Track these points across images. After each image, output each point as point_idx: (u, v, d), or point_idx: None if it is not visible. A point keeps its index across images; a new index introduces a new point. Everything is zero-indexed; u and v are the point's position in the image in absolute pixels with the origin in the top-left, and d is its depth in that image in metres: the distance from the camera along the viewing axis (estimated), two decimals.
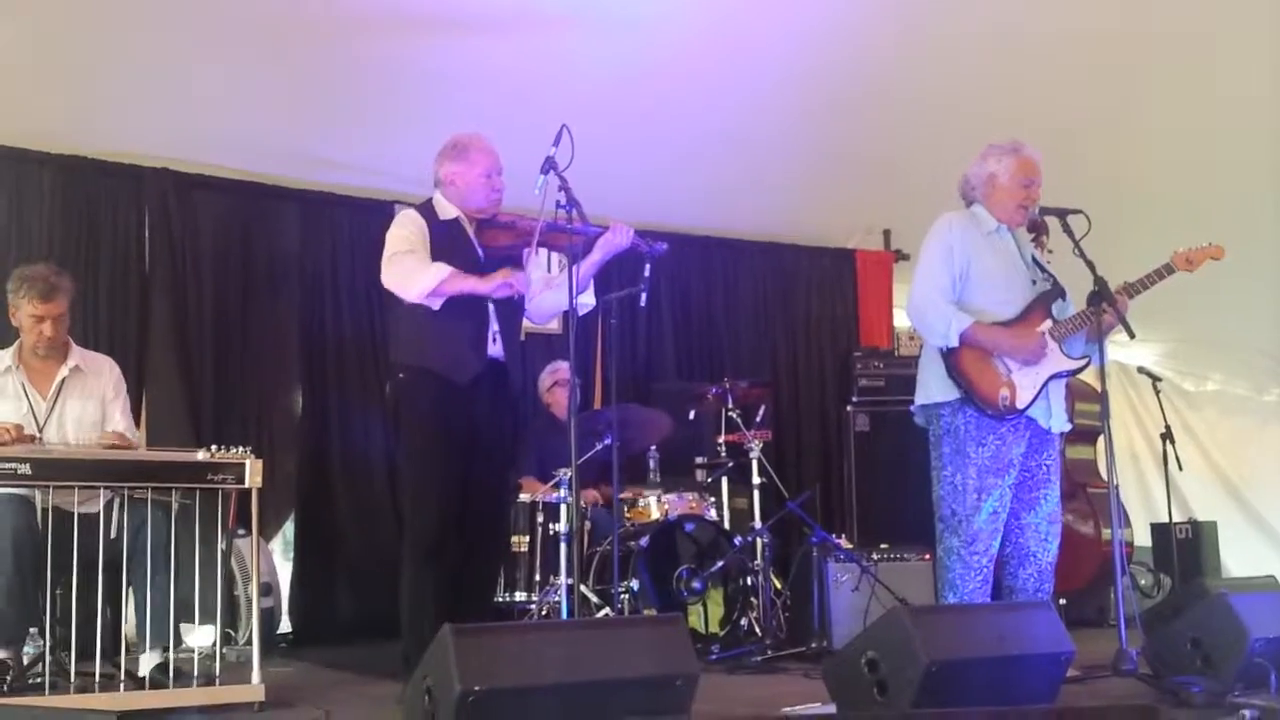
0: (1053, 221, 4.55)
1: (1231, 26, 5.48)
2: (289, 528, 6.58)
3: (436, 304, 4.30)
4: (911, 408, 4.69)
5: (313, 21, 5.22)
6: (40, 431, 4.40)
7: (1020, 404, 4.41)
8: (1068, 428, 4.66)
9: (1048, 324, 4.50)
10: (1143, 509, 8.52)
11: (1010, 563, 4.53)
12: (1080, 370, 4.58)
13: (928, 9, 5.33)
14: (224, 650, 4.27)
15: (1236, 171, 6.56)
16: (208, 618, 4.22)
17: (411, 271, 4.30)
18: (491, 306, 4.44)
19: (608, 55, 5.57)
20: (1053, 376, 4.47)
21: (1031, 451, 4.51)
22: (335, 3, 5.13)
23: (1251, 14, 5.40)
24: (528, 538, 5.69)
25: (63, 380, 4.53)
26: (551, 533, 5.62)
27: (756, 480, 5.92)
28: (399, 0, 5.18)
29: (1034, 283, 4.58)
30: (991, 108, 5.85)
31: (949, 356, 4.45)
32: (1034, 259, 4.66)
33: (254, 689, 4.03)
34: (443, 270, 4.26)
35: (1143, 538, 7.90)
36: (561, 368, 6.50)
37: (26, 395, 4.46)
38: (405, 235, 4.39)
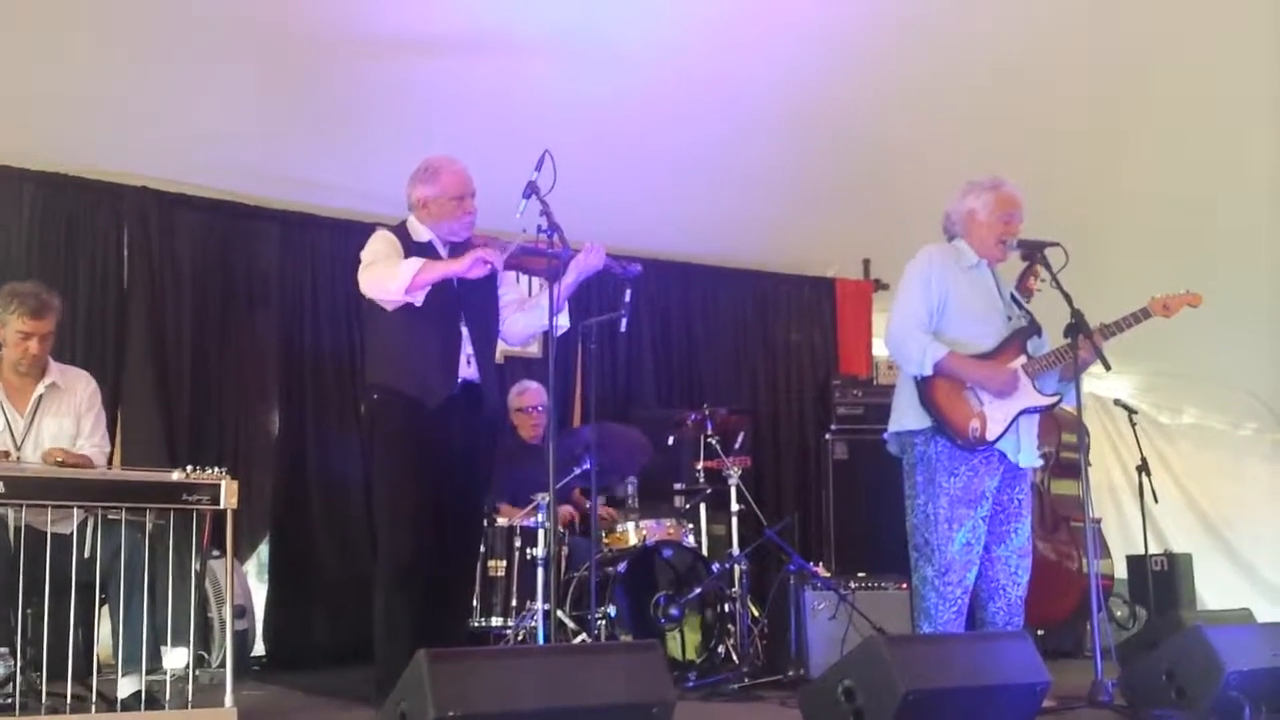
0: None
1: (1223, 64, 5.53)
2: (264, 549, 6.53)
3: (419, 298, 4.29)
4: (885, 435, 4.71)
5: (295, 44, 5.23)
6: (18, 449, 4.37)
7: (990, 436, 4.43)
8: (1038, 463, 4.70)
9: (1022, 359, 4.53)
10: (1120, 541, 8.55)
11: (980, 595, 4.55)
12: (1052, 407, 4.62)
13: (910, 42, 5.37)
14: (197, 673, 4.23)
15: (1217, 209, 6.61)
16: (181, 640, 4.18)
17: (387, 271, 4.32)
18: (465, 329, 4.46)
19: (591, 83, 5.59)
20: (1023, 411, 4.50)
21: (1004, 485, 4.53)
22: (318, 26, 5.14)
23: (1243, 50, 5.45)
24: (504, 562, 5.67)
25: (40, 397, 4.50)
26: (529, 558, 5.59)
27: (735, 507, 5.92)
28: (381, 24, 5.19)
29: (1010, 319, 4.62)
30: (972, 141, 5.89)
31: (922, 385, 4.49)
32: (1012, 296, 4.71)
33: (227, 712, 4.00)
34: (416, 262, 4.30)
35: (1120, 570, 7.93)
36: (531, 388, 6.45)
37: (4, 412, 4.43)
38: (380, 248, 4.45)
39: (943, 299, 4.54)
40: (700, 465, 6.37)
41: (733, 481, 5.93)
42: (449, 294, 4.42)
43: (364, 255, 4.45)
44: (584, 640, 5.22)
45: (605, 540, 5.97)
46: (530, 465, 5.97)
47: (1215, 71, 5.61)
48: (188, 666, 4.14)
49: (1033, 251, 4.62)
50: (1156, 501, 7.37)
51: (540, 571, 5.38)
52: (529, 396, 6.40)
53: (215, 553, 5.27)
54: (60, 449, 4.33)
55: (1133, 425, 7.54)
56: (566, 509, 6.15)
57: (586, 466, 5.46)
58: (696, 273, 8.08)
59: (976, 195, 4.65)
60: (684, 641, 5.55)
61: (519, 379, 6.76)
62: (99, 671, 4.18)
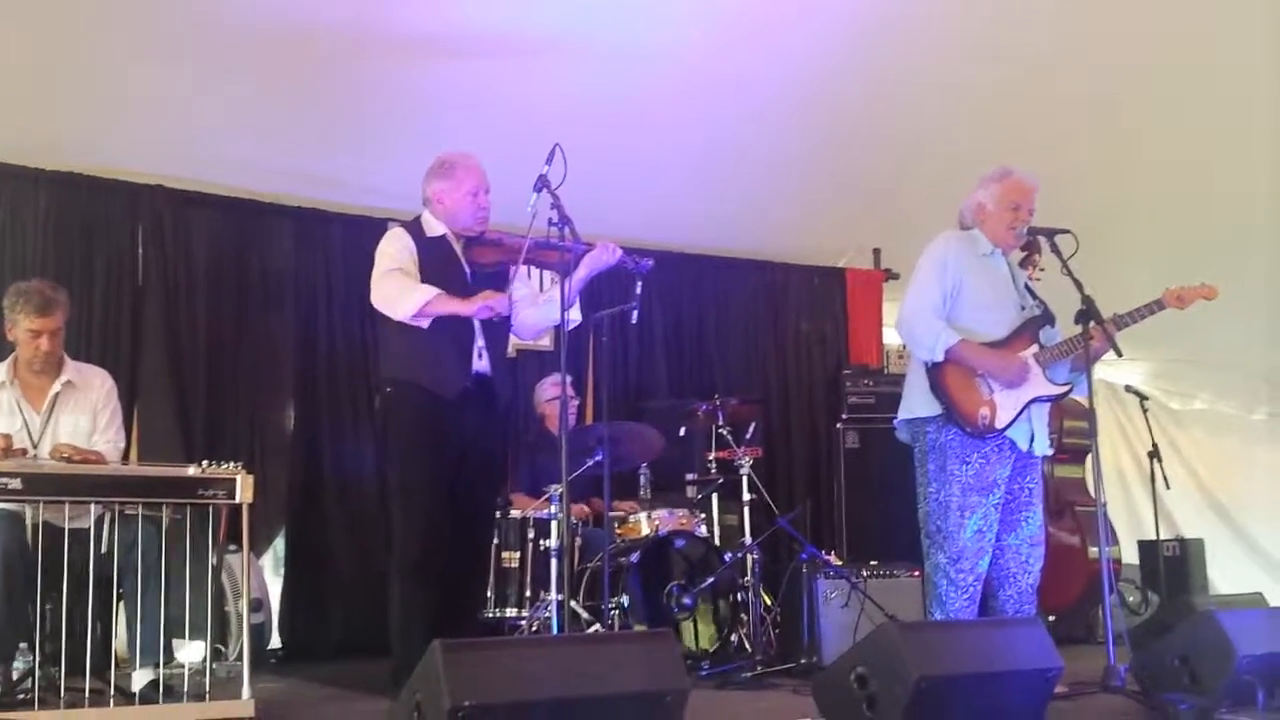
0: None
1: (1226, 58, 5.51)
2: (280, 543, 6.57)
3: (425, 323, 4.34)
4: (895, 422, 4.72)
5: (307, 42, 5.23)
6: (35, 446, 4.40)
7: (999, 424, 4.45)
8: (1049, 451, 4.70)
9: (1034, 349, 4.54)
10: (1130, 527, 8.56)
11: (992, 583, 4.56)
12: (1062, 396, 4.62)
13: (920, 36, 5.36)
14: (214, 666, 4.27)
15: (1226, 196, 6.58)
16: (198, 633, 4.21)
17: (400, 292, 4.35)
18: (477, 322, 4.48)
19: (601, 78, 5.59)
20: (1034, 400, 4.51)
21: (1015, 474, 4.54)
22: (330, 24, 5.14)
23: (1247, 46, 5.43)
24: (518, 553, 5.69)
25: (56, 395, 4.53)
26: (542, 548, 5.62)
27: (747, 497, 5.93)
28: (394, 23, 5.19)
29: (1023, 308, 4.63)
30: (983, 131, 5.88)
31: (933, 372, 4.50)
32: (1026, 286, 4.71)
33: (244, 705, 4.03)
34: (429, 292, 4.32)
35: (1130, 555, 7.94)
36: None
37: (20, 410, 4.47)
38: (394, 254, 4.45)
39: (957, 285, 4.55)
40: (712, 455, 6.39)
41: (744, 471, 5.94)
42: (461, 286, 4.44)
43: (379, 261, 4.47)
44: (597, 630, 5.25)
45: (618, 531, 5.99)
46: (548, 456, 6.01)
47: (1209, 86, 5.60)
48: (205, 659, 4.18)
49: (1031, 243, 4.63)
50: (1168, 487, 7.38)
51: (554, 562, 5.40)
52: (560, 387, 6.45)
53: (232, 547, 5.31)
54: (69, 444, 4.35)
55: (1144, 411, 7.54)
56: (581, 507, 6.18)
57: (599, 458, 5.48)
58: (708, 264, 8.09)
59: (984, 188, 4.68)
60: (697, 631, 5.58)
61: (532, 372, 6.79)
62: (117, 666, 4.21)
